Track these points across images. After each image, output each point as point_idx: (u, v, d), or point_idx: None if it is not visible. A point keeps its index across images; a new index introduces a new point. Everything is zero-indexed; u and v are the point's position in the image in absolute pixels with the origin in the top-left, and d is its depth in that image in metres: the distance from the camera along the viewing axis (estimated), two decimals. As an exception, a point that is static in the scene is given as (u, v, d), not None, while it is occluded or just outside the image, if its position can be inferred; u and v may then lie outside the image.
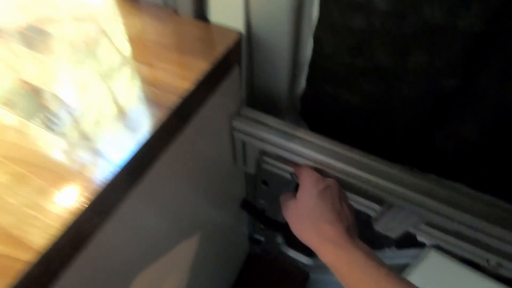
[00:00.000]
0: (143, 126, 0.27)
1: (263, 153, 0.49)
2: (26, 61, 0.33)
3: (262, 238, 0.97)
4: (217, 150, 0.46)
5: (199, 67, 0.32)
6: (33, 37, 0.36)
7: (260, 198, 0.70)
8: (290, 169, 0.48)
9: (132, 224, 0.32)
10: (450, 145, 0.39)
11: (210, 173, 0.48)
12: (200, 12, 0.37)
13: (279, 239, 0.95)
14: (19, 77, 0.31)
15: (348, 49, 0.35)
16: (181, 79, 0.30)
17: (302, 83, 0.43)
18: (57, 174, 0.24)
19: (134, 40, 0.35)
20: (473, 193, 0.35)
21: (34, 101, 0.29)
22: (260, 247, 1.03)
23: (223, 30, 0.36)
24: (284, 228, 0.64)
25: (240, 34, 0.36)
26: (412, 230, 0.43)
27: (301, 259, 0.97)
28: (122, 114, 0.28)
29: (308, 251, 0.95)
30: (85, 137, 0.27)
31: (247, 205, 0.70)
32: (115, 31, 0.37)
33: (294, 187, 0.56)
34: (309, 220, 0.34)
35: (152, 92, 0.30)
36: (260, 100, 0.47)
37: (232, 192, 0.64)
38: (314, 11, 0.33)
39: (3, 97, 0.29)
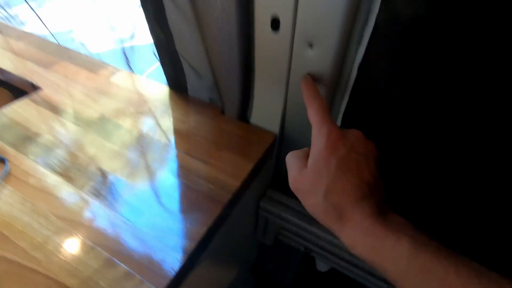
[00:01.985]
0: (201, 221, 0.33)
1: (282, 227, 0.54)
2: (99, 148, 0.40)
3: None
4: (241, 224, 0.51)
5: (245, 167, 0.39)
6: (103, 126, 0.44)
7: (269, 262, 0.73)
8: (304, 242, 0.53)
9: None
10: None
11: (230, 242, 0.53)
12: (243, 115, 0.46)
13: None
14: (98, 166, 0.38)
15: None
16: (231, 177, 0.38)
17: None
18: (136, 262, 0.30)
19: (189, 136, 0.43)
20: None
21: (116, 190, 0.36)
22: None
23: (262, 132, 0.45)
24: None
25: (275, 135, 0.44)
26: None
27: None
28: (184, 207, 0.35)
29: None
30: (154, 227, 0.33)
31: (257, 270, 0.73)
32: (169, 126, 0.45)
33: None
34: (326, 200, 0.25)
35: (208, 188, 0.37)
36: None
37: (245, 258, 0.68)
38: (338, 121, 0.42)
39: (88, 185, 0.36)
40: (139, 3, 0.40)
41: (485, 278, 0.19)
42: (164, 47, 0.44)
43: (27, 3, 0.70)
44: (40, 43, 0.61)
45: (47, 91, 0.49)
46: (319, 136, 0.26)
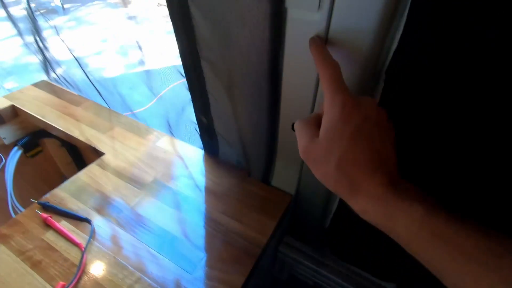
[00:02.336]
0: (241, 272, 0.44)
1: (296, 267, 0.65)
2: (157, 208, 0.52)
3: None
4: (263, 266, 0.62)
5: (269, 224, 0.51)
6: (156, 188, 0.56)
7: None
8: (315, 279, 0.63)
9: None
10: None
11: (251, 281, 0.63)
12: (266, 178, 0.58)
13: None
14: (155, 223, 0.50)
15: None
16: (261, 234, 0.49)
17: (328, 221, 0.62)
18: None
19: (223, 197, 0.55)
20: None
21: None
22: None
23: (281, 194, 0.56)
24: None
25: (292, 196, 0.56)
26: None
27: None
28: (222, 262, 0.46)
29: None
30: (201, 279, 0.44)
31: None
32: (207, 187, 0.57)
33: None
34: (338, 170, 0.25)
35: (242, 244, 0.48)
36: (299, 230, 0.65)
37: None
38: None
39: (151, 240, 0.48)
40: (189, 96, 0.53)
41: (495, 241, 0.19)
42: (205, 128, 0.56)
43: (57, 32, 0.83)
44: (95, 108, 0.74)
45: (108, 156, 0.62)
46: (332, 104, 0.25)
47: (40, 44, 0.78)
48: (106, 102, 0.73)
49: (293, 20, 0.33)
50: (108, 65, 3.18)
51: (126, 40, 3.64)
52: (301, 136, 0.28)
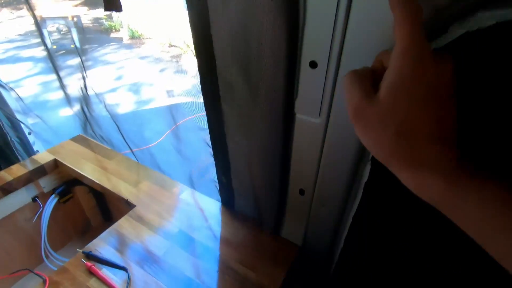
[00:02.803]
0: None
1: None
2: (181, 257, 0.60)
3: None
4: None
5: (279, 273, 0.59)
6: (183, 239, 0.64)
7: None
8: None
9: None
10: None
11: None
12: (276, 230, 0.67)
13: None
14: (181, 271, 0.58)
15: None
16: (272, 282, 0.57)
17: (332, 268, 0.69)
18: None
19: (239, 247, 0.64)
20: None
21: None
22: None
23: (290, 245, 0.64)
24: None
25: (299, 247, 0.64)
26: None
27: None
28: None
29: None
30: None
31: None
32: (224, 238, 0.65)
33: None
34: (399, 137, 0.22)
35: (258, 291, 0.56)
36: (305, 277, 0.73)
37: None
38: (340, 243, 0.62)
39: None
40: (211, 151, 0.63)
41: None
42: (224, 185, 0.66)
43: (83, 69, 0.95)
44: (126, 161, 0.85)
45: (139, 208, 0.71)
46: (406, 56, 0.21)
47: (84, 82, 0.90)
48: (135, 157, 0.84)
49: (300, 121, 0.45)
50: (122, 101, 3.38)
51: (139, 78, 3.89)
52: (353, 91, 0.24)
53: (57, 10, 4.59)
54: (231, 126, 0.53)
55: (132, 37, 5.25)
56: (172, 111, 0.86)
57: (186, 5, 0.39)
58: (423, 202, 0.23)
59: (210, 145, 0.60)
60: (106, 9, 0.38)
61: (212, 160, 0.64)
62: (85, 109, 0.86)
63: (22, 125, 1.00)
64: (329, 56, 0.37)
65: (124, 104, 3.16)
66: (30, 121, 1.02)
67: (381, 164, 0.24)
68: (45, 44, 1.05)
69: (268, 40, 0.38)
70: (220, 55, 0.44)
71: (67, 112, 0.92)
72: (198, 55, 0.47)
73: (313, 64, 0.38)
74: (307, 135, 0.45)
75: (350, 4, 0.32)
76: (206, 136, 0.60)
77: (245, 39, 0.39)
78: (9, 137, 1.00)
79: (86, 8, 5.60)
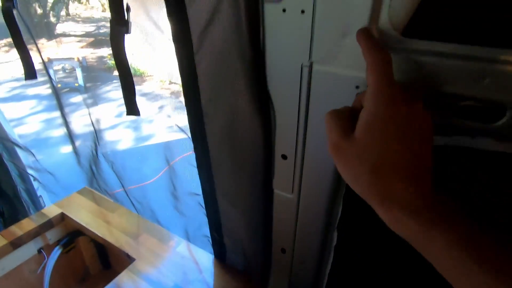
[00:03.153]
0: None
1: None
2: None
3: None
4: None
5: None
6: (179, 293, 0.70)
7: None
8: None
9: None
10: None
11: None
12: (264, 283, 0.73)
13: None
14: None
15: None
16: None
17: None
18: None
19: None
20: None
21: None
22: None
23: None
24: None
25: (284, 300, 0.70)
26: None
27: None
28: None
29: None
30: None
31: None
32: (219, 291, 0.71)
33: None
34: (374, 174, 0.23)
35: None
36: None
37: None
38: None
39: None
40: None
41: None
42: (216, 240, 0.74)
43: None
44: (127, 214, 0.92)
45: (139, 262, 0.78)
46: (378, 97, 0.23)
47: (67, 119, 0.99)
48: (136, 210, 0.92)
49: (277, 195, 0.54)
50: (121, 138, 3.49)
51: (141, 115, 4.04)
52: (332, 129, 0.26)
53: (64, 52, 4.88)
54: (220, 194, 0.62)
55: (134, 74, 5.53)
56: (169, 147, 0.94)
57: (186, 109, 0.50)
58: (384, 262, 0.26)
59: (204, 206, 0.68)
60: (128, 114, 0.49)
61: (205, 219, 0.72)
62: (93, 168, 0.95)
63: (31, 178, 1.09)
64: (295, 150, 0.46)
65: (125, 141, 3.27)
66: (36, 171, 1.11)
67: (347, 230, 0.28)
68: (51, 82, 1.13)
69: (249, 139, 0.48)
70: (212, 143, 0.54)
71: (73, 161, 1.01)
72: (194, 139, 0.57)
73: (284, 157, 0.48)
74: (284, 207, 0.54)
75: (307, 112, 0.41)
76: (200, 199, 0.68)
77: (231, 137, 0.49)
78: (18, 189, 1.08)
79: (92, 49, 5.94)
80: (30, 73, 0.55)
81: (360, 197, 0.25)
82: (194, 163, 0.63)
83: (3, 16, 0.51)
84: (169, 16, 0.40)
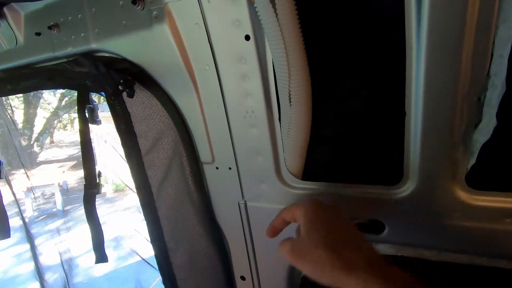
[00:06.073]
0: None
1: None
2: None
3: None
4: None
5: None
6: None
7: None
8: None
9: None
10: None
11: None
12: None
13: None
14: None
15: None
16: None
17: None
18: None
19: None
20: None
21: None
22: None
23: None
24: None
25: None
26: None
27: None
28: None
29: None
30: None
31: None
32: None
33: None
34: (326, 249, 0.29)
35: None
36: None
37: None
38: None
39: None
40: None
41: None
42: None
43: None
44: None
45: None
46: (305, 209, 0.33)
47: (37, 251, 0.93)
48: None
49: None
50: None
51: (121, 231, 3.88)
52: (284, 245, 0.33)
53: (45, 179, 4.92)
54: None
55: (116, 190, 5.53)
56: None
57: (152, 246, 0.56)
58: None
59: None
60: (96, 263, 0.53)
61: None
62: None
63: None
64: (250, 271, 0.52)
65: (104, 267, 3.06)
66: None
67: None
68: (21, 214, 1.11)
69: (208, 264, 0.53)
70: (177, 271, 0.58)
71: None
72: (161, 269, 0.60)
73: (242, 278, 0.53)
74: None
75: (252, 236, 0.49)
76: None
77: (194, 265, 0.55)
78: None
79: (73, 171, 6.03)
80: (3, 232, 0.60)
81: None
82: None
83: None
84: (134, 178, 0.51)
